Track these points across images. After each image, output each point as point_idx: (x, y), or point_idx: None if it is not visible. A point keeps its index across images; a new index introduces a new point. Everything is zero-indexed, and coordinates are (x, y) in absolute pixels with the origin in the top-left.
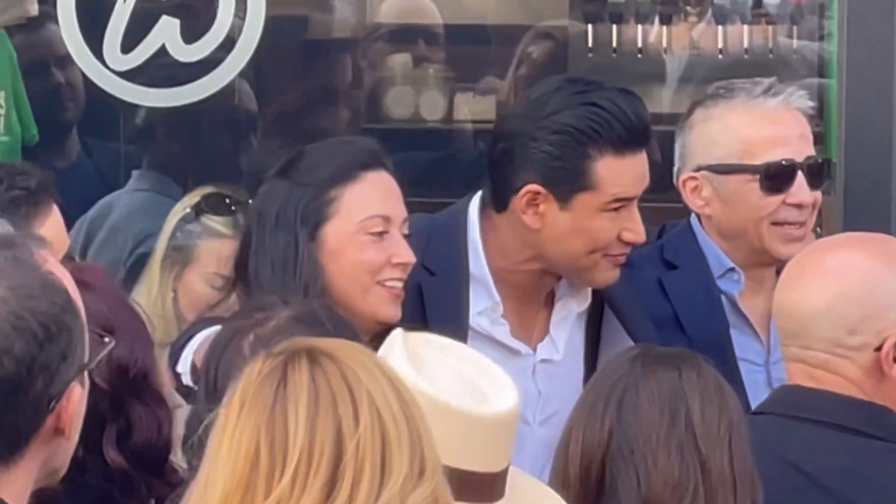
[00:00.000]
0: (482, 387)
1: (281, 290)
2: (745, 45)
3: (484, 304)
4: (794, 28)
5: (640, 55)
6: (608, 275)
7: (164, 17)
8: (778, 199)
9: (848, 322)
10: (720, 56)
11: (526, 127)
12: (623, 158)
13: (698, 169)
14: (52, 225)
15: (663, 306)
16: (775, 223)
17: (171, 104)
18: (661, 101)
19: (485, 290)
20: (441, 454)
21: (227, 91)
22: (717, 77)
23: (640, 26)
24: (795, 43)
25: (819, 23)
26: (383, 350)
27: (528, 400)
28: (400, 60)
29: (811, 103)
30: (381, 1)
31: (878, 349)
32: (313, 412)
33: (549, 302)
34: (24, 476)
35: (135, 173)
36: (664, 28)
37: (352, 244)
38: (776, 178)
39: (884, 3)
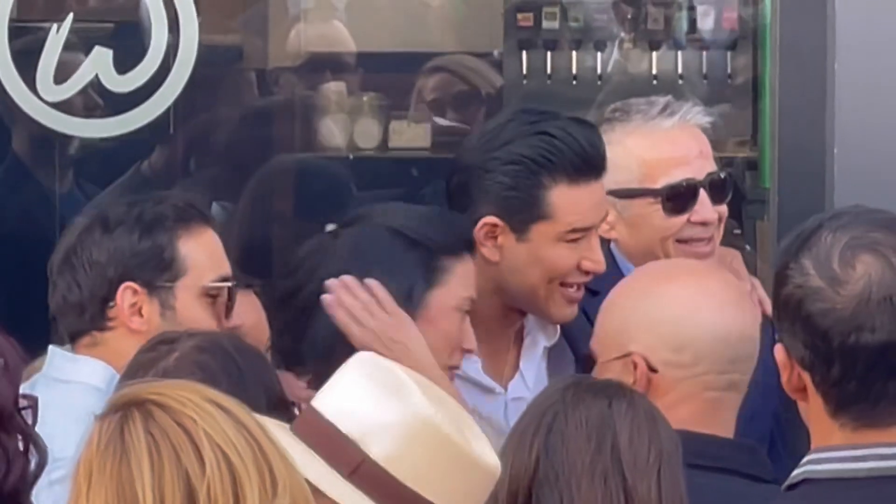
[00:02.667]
0: (465, 433)
1: None
2: (680, 70)
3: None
4: (728, 54)
5: (574, 82)
6: (565, 311)
7: (97, 48)
8: (682, 219)
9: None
10: (654, 82)
11: (480, 159)
12: (578, 187)
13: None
14: (205, 245)
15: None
16: (681, 241)
17: (105, 134)
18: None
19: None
20: (420, 481)
21: (161, 121)
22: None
23: (574, 53)
24: (729, 68)
25: (753, 48)
26: (380, 375)
27: (500, 438)
28: (334, 88)
29: (708, 119)
30: (314, 30)
31: None
32: (158, 469)
33: (519, 339)
34: None
35: None
36: (598, 54)
37: (449, 317)
38: (678, 198)
39: (817, 29)
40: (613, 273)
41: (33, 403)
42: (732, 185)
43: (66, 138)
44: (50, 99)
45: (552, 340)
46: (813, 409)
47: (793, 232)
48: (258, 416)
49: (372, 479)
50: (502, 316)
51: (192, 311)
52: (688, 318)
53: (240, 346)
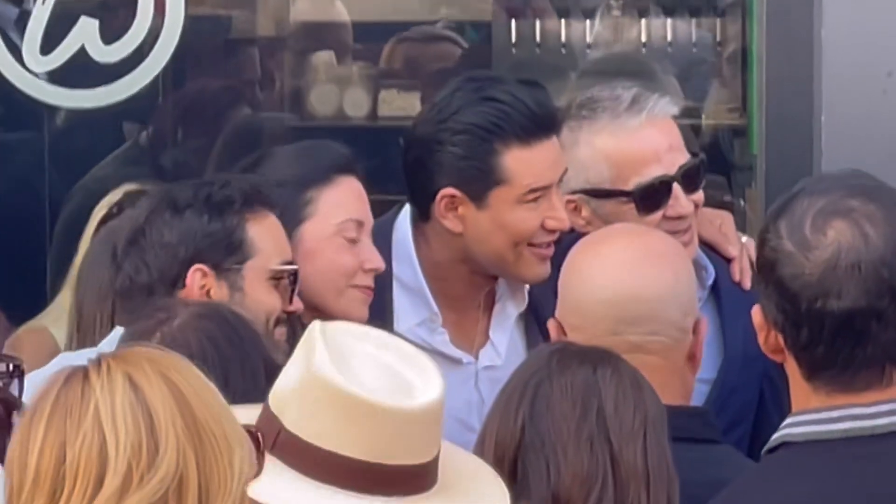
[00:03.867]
0: (407, 377)
1: None
2: (669, 38)
3: (422, 315)
4: (717, 21)
5: (563, 50)
6: (537, 270)
7: (83, 18)
8: (657, 216)
9: (683, 303)
10: (644, 50)
11: (431, 131)
12: (531, 148)
13: (573, 192)
14: (270, 228)
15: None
16: None
17: (92, 105)
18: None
19: (422, 301)
20: (370, 451)
21: (149, 90)
22: (640, 72)
23: (563, 21)
24: (718, 36)
25: (742, 17)
26: (304, 345)
27: (471, 408)
28: (324, 58)
29: (675, 109)
30: None
31: (694, 331)
32: (45, 436)
33: (489, 307)
34: None
35: None
36: (587, 22)
37: (329, 246)
38: (650, 198)
39: None
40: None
41: (18, 371)
42: (706, 169)
43: (53, 109)
44: (36, 69)
45: (521, 307)
46: (790, 372)
47: (780, 197)
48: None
49: (289, 447)
50: (469, 284)
51: (259, 294)
52: (580, 283)
53: (236, 314)
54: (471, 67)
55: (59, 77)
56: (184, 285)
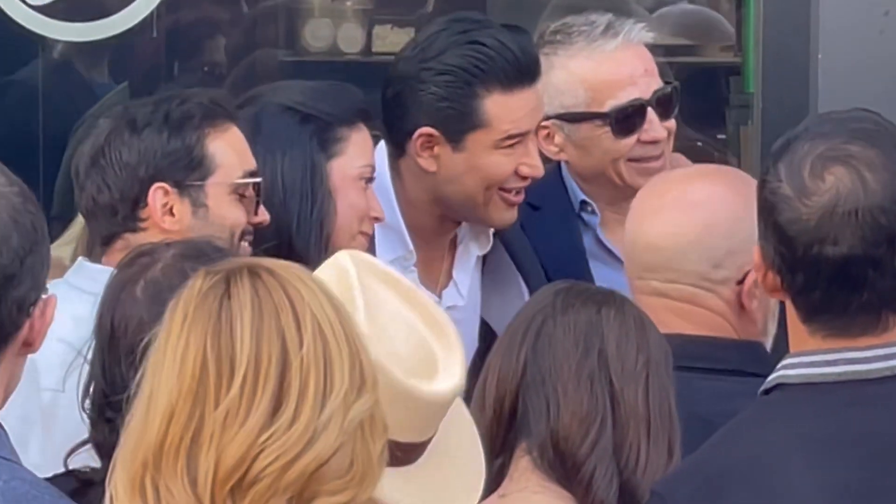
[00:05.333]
0: (433, 348)
1: (293, 215)
2: None
3: (397, 253)
4: None
5: None
6: (504, 215)
7: None
8: (631, 139)
9: (714, 255)
10: None
11: (413, 69)
12: (511, 94)
13: (547, 118)
14: (231, 141)
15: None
16: (632, 160)
17: (89, 38)
18: None
19: (398, 239)
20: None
21: (145, 25)
22: (632, 10)
23: None
24: None
25: None
26: (332, 276)
27: None
28: None
29: (650, 34)
30: None
31: (740, 283)
32: (258, 324)
33: (452, 249)
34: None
35: None
36: None
37: (352, 187)
38: (626, 120)
39: None
40: (558, 191)
41: None
42: (679, 97)
43: (50, 42)
44: (33, 3)
45: (485, 249)
46: (789, 313)
47: (783, 136)
48: None
49: None
50: (438, 225)
51: (223, 209)
52: (626, 226)
53: (218, 249)
54: (465, 6)
55: (55, 10)
56: (146, 204)
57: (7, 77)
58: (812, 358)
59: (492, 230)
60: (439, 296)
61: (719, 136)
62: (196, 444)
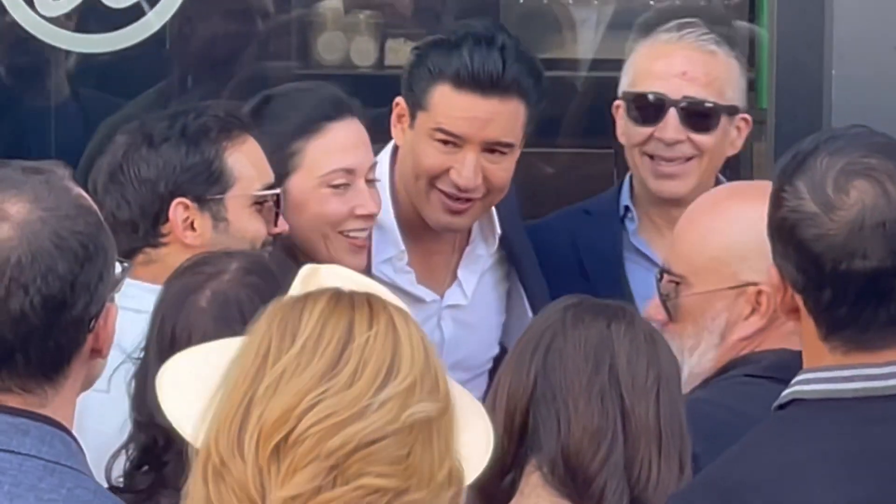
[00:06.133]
0: None
1: None
2: None
3: (389, 253)
4: None
5: (571, 1)
6: (441, 216)
7: None
8: (644, 130)
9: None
10: (652, 2)
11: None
12: (459, 93)
13: (616, 98)
14: (249, 153)
15: (569, 256)
16: (648, 155)
17: (102, 50)
18: (593, 46)
19: (391, 239)
20: None
21: (158, 37)
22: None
23: None
24: None
25: None
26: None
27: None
28: (331, 6)
29: (715, 46)
30: None
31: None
32: (330, 309)
33: (462, 248)
34: (70, 398)
35: None
36: None
37: (313, 198)
38: (642, 109)
39: None
40: (610, 198)
41: None
42: (717, 119)
43: (63, 53)
44: (47, 14)
45: (490, 250)
46: (805, 331)
47: (789, 151)
48: None
49: None
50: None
51: (243, 222)
52: None
53: (281, 264)
54: (478, 17)
55: (68, 21)
56: (167, 219)
57: (20, 88)
58: (829, 374)
59: (498, 232)
60: (442, 295)
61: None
62: (250, 406)
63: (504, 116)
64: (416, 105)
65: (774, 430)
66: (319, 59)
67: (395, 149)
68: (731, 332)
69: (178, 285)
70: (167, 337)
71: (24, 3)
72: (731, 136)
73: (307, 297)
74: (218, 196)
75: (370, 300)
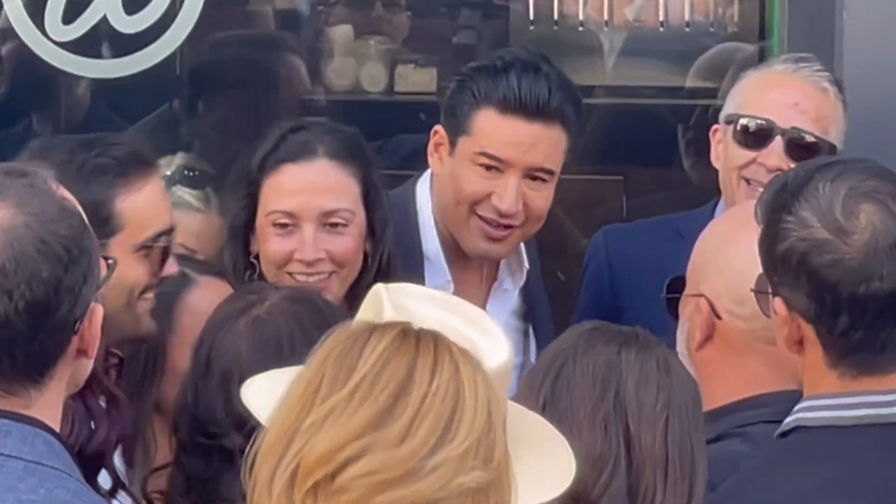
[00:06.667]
0: (475, 340)
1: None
2: (687, 18)
3: (436, 283)
4: (736, 2)
5: (581, 28)
6: (480, 244)
7: None
8: (749, 154)
9: None
10: (661, 29)
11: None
12: (504, 118)
13: (717, 122)
14: (145, 198)
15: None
16: (747, 180)
17: (113, 75)
18: (602, 74)
19: (437, 269)
20: None
21: (169, 62)
22: (658, 50)
23: None
24: (737, 17)
25: None
26: (368, 307)
27: None
28: (341, 31)
29: (826, 83)
30: None
31: None
32: (391, 352)
33: (490, 282)
34: (55, 399)
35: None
36: (606, 1)
37: (262, 234)
38: (749, 133)
39: None
40: (703, 222)
41: (118, 361)
42: (819, 154)
43: (73, 78)
44: (58, 39)
45: (518, 284)
46: (809, 360)
47: (772, 187)
48: None
49: None
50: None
51: (124, 268)
52: (751, 274)
53: (327, 302)
54: (488, 44)
55: (80, 47)
56: None
57: (30, 113)
58: (833, 401)
59: (526, 266)
60: None
61: None
62: (292, 438)
63: (547, 142)
64: (457, 130)
65: (779, 458)
66: (330, 84)
67: (431, 178)
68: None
69: (222, 311)
70: (204, 359)
71: (35, 28)
72: None
73: (372, 331)
74: (102, 241)
75: (437, 343)
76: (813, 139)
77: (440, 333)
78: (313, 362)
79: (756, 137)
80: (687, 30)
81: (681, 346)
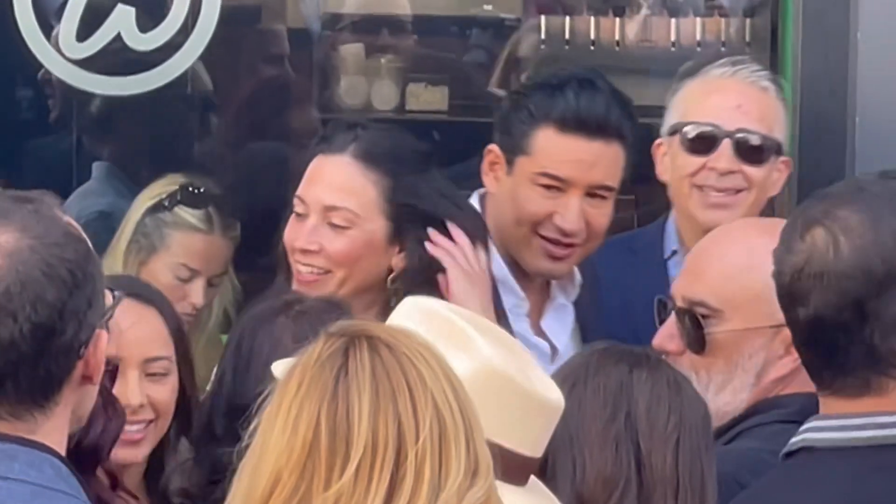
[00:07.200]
0: (522, 367)
1: None
2: (698, 37)
3: (511, 302)
4: (747, 21)
5: (592, 47)
6: (542, 263)
7: (120, 6)
8: (699, 160)
9: None
10: (672, 49)
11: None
12: (564, 137)
13: (661, 135)
14: None
15: (614, 296)
16: (698, 187)
17: (126, 92)
18: None
19: (509, 288)
20: (494, 430)
21: (182, 80)
22: (669, 70)
23: (592, 18)
24: (748, 36)
25: (771, 16)
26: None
27: None
28: (353, 50)
29: (767, 83)
30: None
31: None
32: (375, 405)
33: (545, 298)
34: (61, 424)
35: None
36: (617, 20)
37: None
38: (697, 140)
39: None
40: (656, 239)
41: (112, 367)
42: (768, 154)
43: (87, 95)
44: (72, 56)
45: (571, 298)
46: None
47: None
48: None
49: None
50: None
51: None
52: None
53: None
54: (498, 64)
55: (93, 64)
56: None
57: (44, 130)
58: (839, 422)
59: (578, 280)
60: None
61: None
62: None
63: (607, 159)
64: (515, 150)
65: (784, 478)
66: (341, 102)
67: (482, 197)
68: (767, 373)
69: (263, 308)
70: (246, 351)
71: (49, 46)
72: (774, 177)
73: (346, 372)
74: None
75: (405, 371)
76: (759, 139)
77: (401, 352)
78: (300, 410)
79: (703, 143)
80: (698, 50)
81: (748, 378)
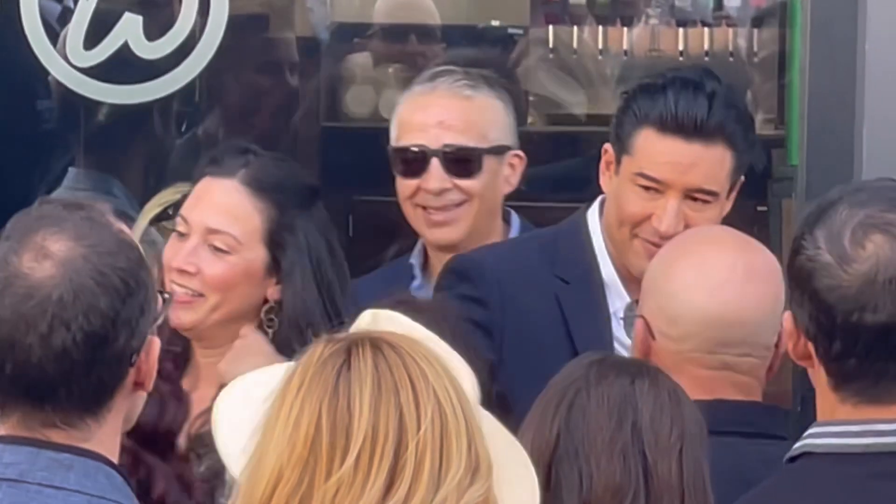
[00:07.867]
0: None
1: None
2: (706, 47)
3: (616, 306)
4: (755, 31)
5: (600, 57)
6: (645, 264)
7: (127, 14)
8: (412, 183)
9: (776, 325)
10: (681, 58)
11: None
12: (663, 137)
13: None
14: None
15: None
16: (421, 207)
17: (133, 101)
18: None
19: (615, 293)
20: None
21: (189, 88)
22: None
23: (600, 28)
24: (756, 46)
25: (779, 26)
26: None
27: None
28: (361, 60)
29: (470, 91)
30: (341, 0)
31: (776, 345)
32: (376, 399)
33: None
34: (113, 431)
35: (71, 171)
36: (625, 30)
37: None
38: (406, 162)
39: (848, 6)
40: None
41: (174, 353)
42: (479, 163)
43: (93, 104)
44: (79, 64)
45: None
46: (818, 379)
47: (817, 200)
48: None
49: None
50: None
51: None
52: (681, 296)
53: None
54: (505, 73)
55: (101, 72)
56: None
57: (51, 138)
58: (840, 428)
59: None
60: None
61: (759, 209)
62: None
63: (707, 162)
64: (621, 149)
65: (784, 484)
66: (348, 112)
67: (603, 202)
68: None
69: None
70: None
71: (56, 54)
72: (505, 175)
73: (348, 368)
74: None
75: (408, 368)
76: (466, 152)
77: (404, 351)
78: (300, 404)
79: (414, 165)
80: (706, 59)
81: None
